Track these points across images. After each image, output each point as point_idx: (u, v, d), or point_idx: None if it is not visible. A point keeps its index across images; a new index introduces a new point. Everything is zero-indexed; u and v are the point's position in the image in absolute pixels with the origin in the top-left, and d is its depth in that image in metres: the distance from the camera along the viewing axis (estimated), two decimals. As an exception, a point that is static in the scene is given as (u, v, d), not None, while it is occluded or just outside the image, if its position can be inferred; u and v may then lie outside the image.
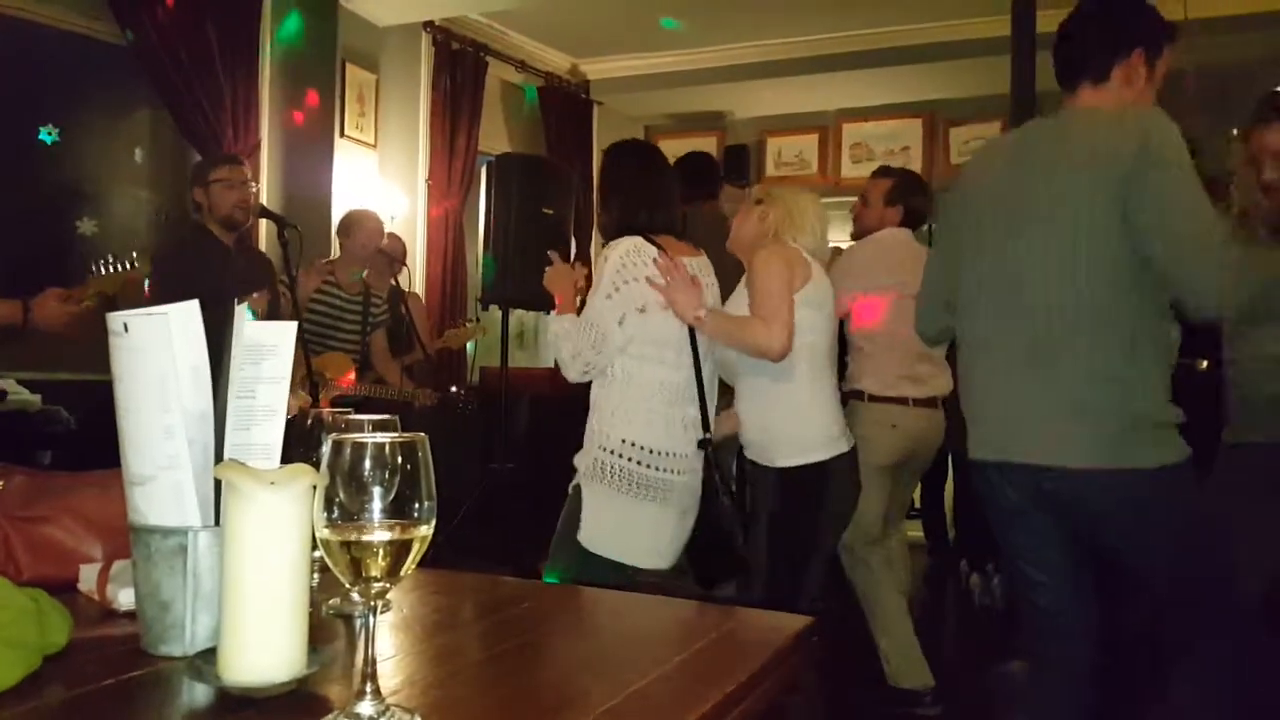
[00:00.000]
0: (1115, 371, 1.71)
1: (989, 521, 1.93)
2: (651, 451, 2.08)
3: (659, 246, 2.16)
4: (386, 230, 4.27)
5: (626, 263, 2.13)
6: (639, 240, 2.16)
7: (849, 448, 2.29)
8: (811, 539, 2.24)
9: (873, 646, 3.06)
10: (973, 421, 1.89)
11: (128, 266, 2.64)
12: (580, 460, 2.15)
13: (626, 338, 2.11)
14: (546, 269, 2.31)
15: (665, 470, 2.09)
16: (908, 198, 3.19)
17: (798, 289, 2.21)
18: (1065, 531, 1.84)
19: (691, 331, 2.17)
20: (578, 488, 2.14)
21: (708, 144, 6.72)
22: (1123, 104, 1.80)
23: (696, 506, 2.17)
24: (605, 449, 2.09)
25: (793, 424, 2.22)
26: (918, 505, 4.62)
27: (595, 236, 6.74)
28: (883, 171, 3.39)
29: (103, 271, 2.63)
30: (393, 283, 4.13)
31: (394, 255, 4.11)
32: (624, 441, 2.08)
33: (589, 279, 2.31)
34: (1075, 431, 1.72)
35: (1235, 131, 2.86)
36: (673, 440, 2.11)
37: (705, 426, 2.16)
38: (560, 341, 2.15)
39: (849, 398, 3.09)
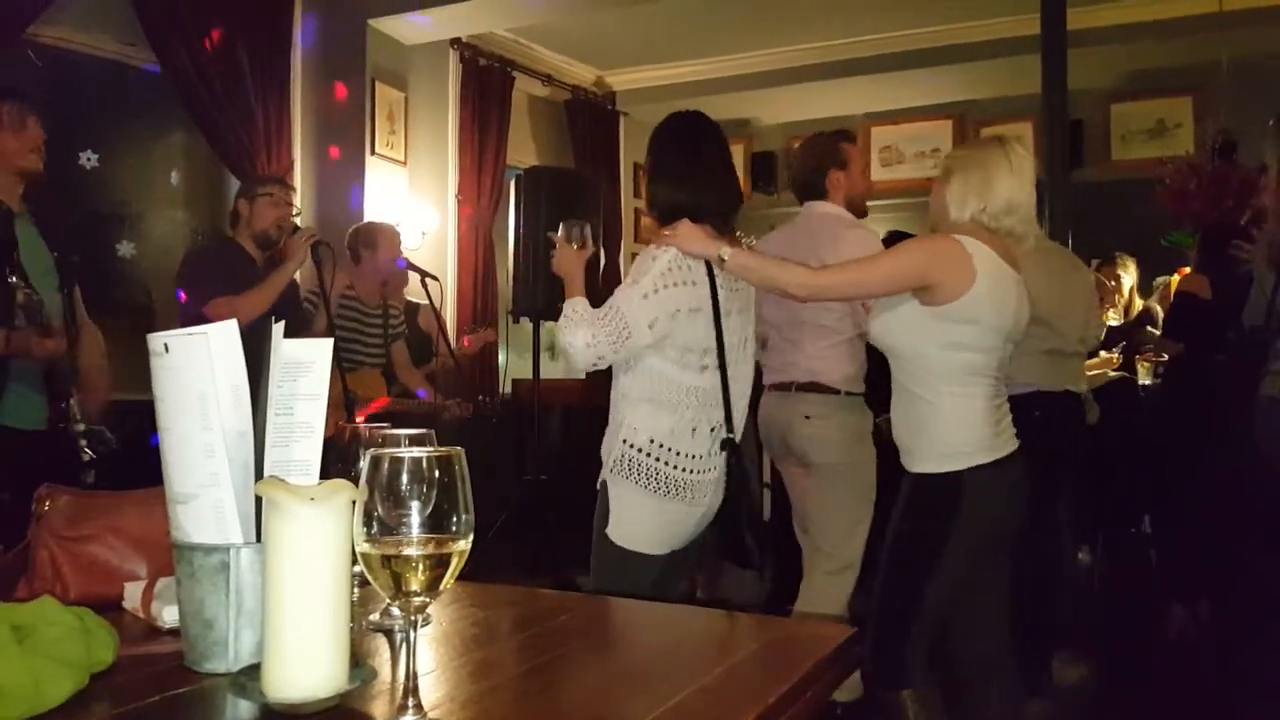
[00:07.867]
0: None
1: None
2: (678, 453, 2.07)
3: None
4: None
5: (674, 267, 2.05)
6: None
7: (994, 458, 1.98)
8: (935, 554, 1.99)
9: None
10: None
11: None
12: (606, 451, 2.12)
13: (656, 338, 2.04)
14: (556, 251, 2.18)
15: (691, 471, 2.08)
16: None
17: (940, 302, 1.94)
18: None
19: (719, 337, 2.11)
20: (605, 484, 2.11)
21: (734, 152, 6.69)
22: None
23: (720, 498, 2.14)
24: (630, 444, 2.07)
25: (927, 431, 2.02)
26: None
27: (625, 246, 6.75)
28: None
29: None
30: (409, 298, 4.16)
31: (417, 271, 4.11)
32: (651, 441, 2.06)
33: (597, 258, 2.24)
34: None
35: (1271, 123, 2.82)
36: (698, 444, 2.09)
37: (729, 428, 2.13)
38: (573, 326, 2.04)
39: None
